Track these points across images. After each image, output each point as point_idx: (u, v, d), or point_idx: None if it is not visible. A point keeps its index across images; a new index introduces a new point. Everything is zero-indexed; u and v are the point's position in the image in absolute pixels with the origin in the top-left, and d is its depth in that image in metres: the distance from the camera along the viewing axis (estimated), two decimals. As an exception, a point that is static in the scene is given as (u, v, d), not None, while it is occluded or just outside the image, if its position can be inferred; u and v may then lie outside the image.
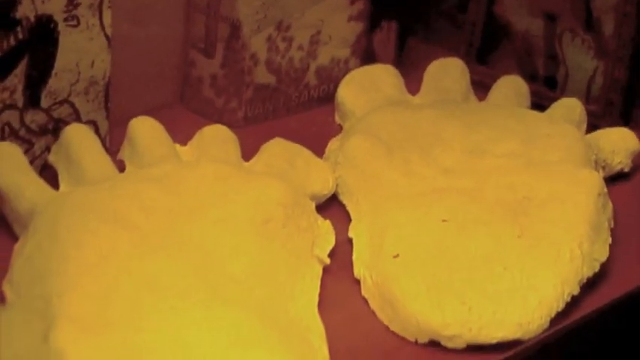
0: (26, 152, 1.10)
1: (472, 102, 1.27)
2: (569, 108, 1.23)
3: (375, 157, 1.14)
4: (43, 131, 1.12)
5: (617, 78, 1.24)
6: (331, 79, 1.28)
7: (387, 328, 1.01)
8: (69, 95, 1.12)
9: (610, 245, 1.09)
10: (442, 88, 1.26)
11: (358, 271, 1.06)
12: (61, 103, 1.12)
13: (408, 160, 1.14)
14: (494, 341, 0.99)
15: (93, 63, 1.12)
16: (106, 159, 1.10)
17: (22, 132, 1.11)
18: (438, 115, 1.20)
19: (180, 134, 1.13)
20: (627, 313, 1.05)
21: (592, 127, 1.23)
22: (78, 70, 1.12)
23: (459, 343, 0.99)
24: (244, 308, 0.94)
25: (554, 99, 1.25)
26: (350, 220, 1.11)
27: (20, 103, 1.10)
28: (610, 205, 1.12)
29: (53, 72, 1.11)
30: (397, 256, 1.04)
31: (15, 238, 1.04)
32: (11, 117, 1.09)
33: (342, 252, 1.08)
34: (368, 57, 1.31)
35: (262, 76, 1.24)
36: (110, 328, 0.91)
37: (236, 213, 1.03)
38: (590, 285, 1.05)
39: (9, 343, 0.88)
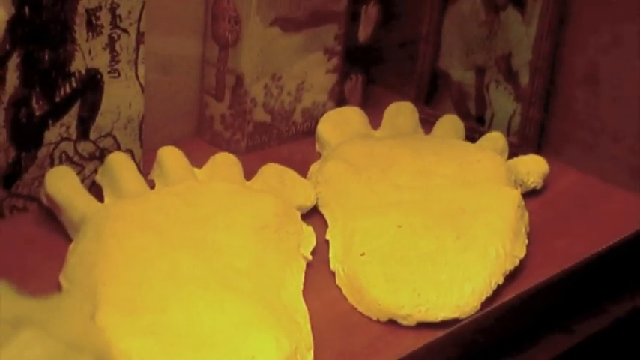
0: (79, 174, 1.10)
1: (420, 135, 1.27)
2: (495, 140, 1.24)
3: (346, 177, 1.15)
4: (91, 158, 1.13)
5: (531, 117, 1.24)
6: (313, 118, 1.28)
7: (356, 309, 1.02)
8: (111, 130, 1.13)
9: (526, 245, 1.09)
10: (397, 125, 1.26)
11: (333, 265, 1.07)
12: (105, 136, 1.13)
13: (371, 179, 1.15)
14: (438, 319, 1.00)
15: (130, 105, 1.13)
16: (140, 179, 1.10)
17: (76, 158, 1.12)
18: (394, 145, 1.20)
19: (197, 160, 1.14)
20: (540, 297, 1.05)
21: (512, 154, 1.23)
22: (118, 111, 1.13)
23: (411, 321, 1.00)
24: (246, 294, 0.95)
25: (483, 133, 1.25)
26: (327, 225, 1.12)
27: (74, 137, 1.11)
28: (526, 214, 1.13)
29: (99, 112, 1.12)
30: (363, 254, 1.04)
31: (69, 240, 1.04)
32: (67, 147, 1.11)
33: (321, 250, 1.08)
34: (341, 101, 1.31)
35: (260, 115, 1.24)
36: (141, 309, 0.93)
37: (240, 221, 1.04)
38: (511, 276, 1.06)
39: (64, 321, 0.88)
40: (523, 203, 1.12)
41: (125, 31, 1.11)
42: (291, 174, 1.16)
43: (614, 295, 1.11)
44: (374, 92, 1.34)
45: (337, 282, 1.05)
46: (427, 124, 1.28)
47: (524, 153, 1.23)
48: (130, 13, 1.10)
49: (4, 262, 1.00)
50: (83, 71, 1.09)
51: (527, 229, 1.12)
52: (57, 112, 1.09)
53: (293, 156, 1.22)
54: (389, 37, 1.34)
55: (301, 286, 1.02)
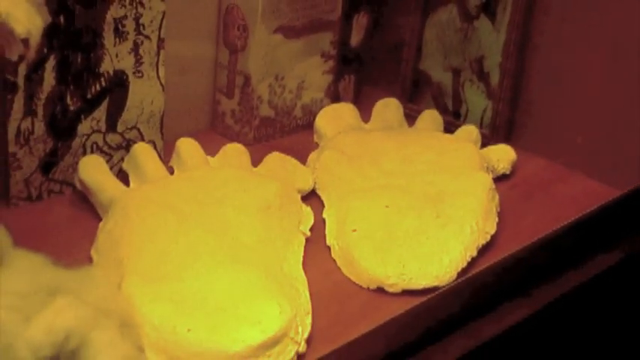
0: (107, 162, 1.11)
1: (404, 127, 1.27)
2: (469, 132, 1.24)
3: (340, 164, 1.15)
4: (118, 147, 1.13)
5: (501, 112, 1.24)
6: (311, 113, 1.28)
7: (349, 279, 1.03)
8: (136, 123, 1.13)
9: (497, 223, 1.10)
10: (385, 119, 1.26)
11: (329, 240, 1.07)
12: (130, 128, 1.13)
13: (361, 166, 1.15)
14: (420, 287, 1.01)
15: (152, 102, 1.14)
16: (161, 166, 1.11)
17: (105, 148, 1.12)
18: (382, 136, 1.20)
19: (210, 149, 1.14)
20: (509, 268, 1.05)
21: (484, 144, 1.23)
22: (142, 107, 1.13)
23: (397, 289, 1.01)
24: (253, 266, 0.96)
25: (459, 126, 1.25)
26: (323, 206, 1.13)
27: (103, 129, 1.12)
28: (497, 196, 1.13)
29: (125, 108, 1.12)
30: (355, 230, 1.05)
31: (99, 219, 1.04)
32: (97, 138, 1.11)
33: (318, 228, 1.09)
34: (335, 98, 1.31)
35: (265, 110, 1.24)
36: (162, 279, 0.93)
37: (247, 202, 1.04)
38: (484, 250, 1.07)
39: (94, 289, 0.88)
40: (494, 186, 1.13)
41: (148, 37, 1.11)
42: (292, 161, 1.16)
43: (574, 264, 1.11)
44: (364, 90, 1.34)
45: (332, 255, 1.05)
46: (410, 118, 1.28)
47: (495, 143, 1.24)
48: (151, 21, 1.11)
49: (43, 238, 1.00)
50: (111, 72, 1.10)
51: (498, 209, 1.12)
52: (88, 107, 1.10)
53: (294, 146, 1.22)
54: (377, 42, 1.34)
55: (301, 259, 1.03)
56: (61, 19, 1.04)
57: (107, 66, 1.09)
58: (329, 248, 1.06)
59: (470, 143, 1.21)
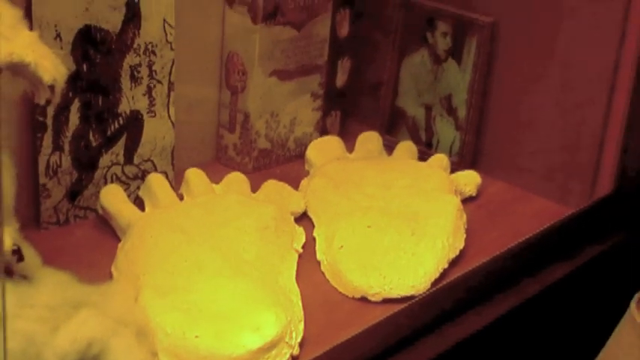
0: (125, 190, 1.10)
1: (384, 156, 1.27)
2: (440, 160, 1.23)
3: (328, 190, 1.14)
4: (135, 178, 1.12)
5: (468, 142, 1.24)
6: (302, 145, 1.27)
7: (336, 289, 1.02)
8: (150, 156, 1.13)
9: (465, 239, 1.09)
10: (366, 149, 1.26)
11: (319, 256, 1.07)
12: (145, 161, 1.13)
13: (347, 190, 1.14)
14: (399, 296, 1.00)
15: (164, 137, 1.13)
16: (172, 193, 1.10)
17: (123, 178, 1.11)
18: (364, 165, 1.20)
19: (215, 178, 1.13)
20: (476, 277, 1.05)
21: (453, 170, 1.22)
22: (155, 142, 1.13)
23: (378, 298, 1.00)
24: (252, 279, 0.96)
25: (431, 154, 1.24)
26: (314, 226, 1.12)
27: (122, 162, 1.11)
28: (464, 215, 1.12)
29: (141, 143, 1.12)
30: (342, 247, 1.05)
31: (118, 240, 1.04)
32: (116, 170, 1.11)
33: (309, 245, 1.08)
34: (323, 132, 1.30)
35: (263, 143, 1.23)
36: (173, 292, 0.94)
37: (247, 223, 1.03)
38: (454, 262, 1.06)
39: (114, 302, 0.88)
40: (462, 207, 1.12)
41: (159, 81, 1.10)
42: (286, 187, 1.15)
43: (532, 274, 1.11)
44: (348, 125, 1.34)
45: (322, 269, 1.05)
46: (389, 148, 1.27)
47: (462, 169, 1.23)
48: (162, 68, 1.10)
49: (70, 257, 0.99)
50: (128, 112, 1.09)
51: (466, 227, 1.11)
52: (108, 143, 1.09)
53: (288, 174, 1.21)
54: (359, 83, 1.34)
55: (294, 273, 1.02)
56: (84, 67, 1.04)
57: (124, 107, 1.09)
58: (319, 263, 1.05)
59: (441, 169, 1.20)
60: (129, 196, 1.10)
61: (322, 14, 1.23)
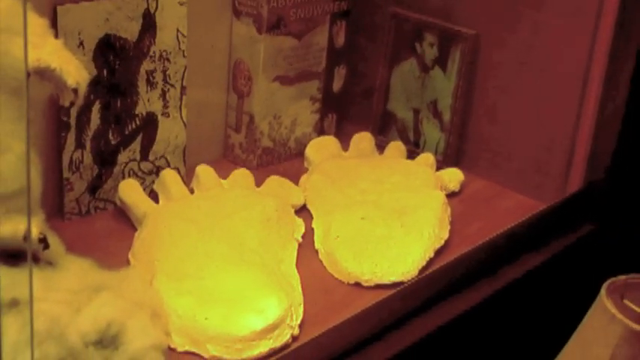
0: (141, 184, 1.10)
1: (376, 155, 1.26)
2: (427, 158, 1.22)
3: (325, 185, 1.14)
4: (150, 173, 1.12)
5: (452, 143, 1.23)
6: (302, 144, 1.26)
7: (332, 275, 1.02)
8: (164, 154, 1.12)
9: (449, 230, 1.09)
10: (360, 149, 1.25)
11: (317, 245, 1.06)
12: (159, 158, 1.12)
13: (342, 186, 1.13)
14: (389, 282, 1.00)
15: (177, 136, 1.13)
16: (183, 187, 1.10)
17: (139, 173, 1.11)
18: (358, 163, 1.19)
19: (223, 174, 1.13)
20: (459, 266, 1.04)
21: (439, 168, 1.22)
22: (168, 141, 1.12)
23: (371, 283, 1.01)
24: (257, 266, 0.96)
25: (419, 153, 1.24)
26: (312, 218, 1.11)
27: (138, 158, 1.11)
28: (449, 208, 1.11)
29: (155, 141, 1.11)
30: (337, 237, 1.04)
31: (135, 230, 1.04)
32: (133, 165, 1.10)
33: (308, 235, 1.08)
34: (321, 132, 1.30)
35: (266, 142, 1.23)
36: (185, 278, 0.94)
37: (252, 215, 1.03)
38: (439, 252, 1.06)
39: (131, 286, 0.88)
40: (446, 201, 1.12)
41: (173, 86, 1.10)
42: (287, 183, 1.15)
43: (510, 262, 1.10)
44: (344, 126, 1.33)
45: (319, 257, 1.04)
46: (380, 147, 1.27)
47: (447, 167, 1.22)
48: (176, 73, 1.10)
49: (91, 246, 0.99)
50: (144, 114, 1.09)
51: (450, 219, 1.11)
52: (126, 141, 1.08)
53: (289, 170, 1.21)
54: (354, 88, 1.33)
55: (295, 260, 1.02)
56: (105, 72, 1.03)
57: (141, 109, 1.08)
58: (317, 251, 1.05)
59: (427, 167, 1.20)
60: (144, 189, 1.09)
61: (321, 25, 1.22)
